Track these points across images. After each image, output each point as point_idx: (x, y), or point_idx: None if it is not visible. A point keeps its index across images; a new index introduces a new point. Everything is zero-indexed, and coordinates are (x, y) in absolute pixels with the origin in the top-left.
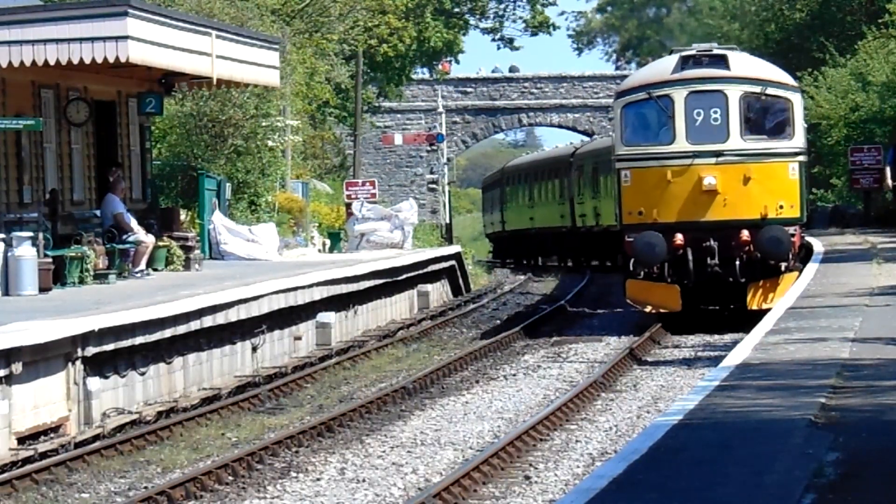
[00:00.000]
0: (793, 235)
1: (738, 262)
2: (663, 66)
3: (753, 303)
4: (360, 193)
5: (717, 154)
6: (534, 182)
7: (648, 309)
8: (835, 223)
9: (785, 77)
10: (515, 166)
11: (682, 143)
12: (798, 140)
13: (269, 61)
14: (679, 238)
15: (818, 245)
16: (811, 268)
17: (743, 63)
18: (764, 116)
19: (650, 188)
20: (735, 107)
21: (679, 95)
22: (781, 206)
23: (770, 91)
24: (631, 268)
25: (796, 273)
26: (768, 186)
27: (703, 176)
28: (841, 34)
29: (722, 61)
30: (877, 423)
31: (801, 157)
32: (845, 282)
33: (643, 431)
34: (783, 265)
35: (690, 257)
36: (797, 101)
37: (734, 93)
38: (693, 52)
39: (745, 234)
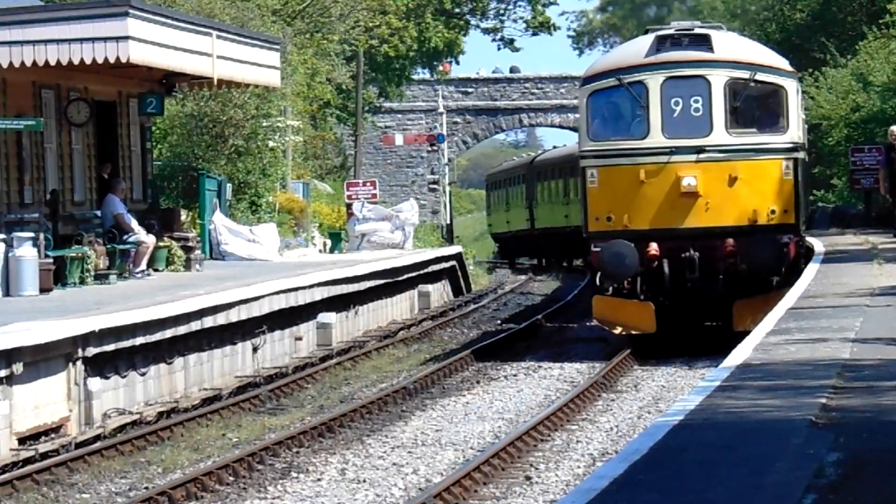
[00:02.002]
0: (786, 245)
1: (721, 276)
2: (636, 48)
3: (740, 323)
4: (360, 194)
5: (699, 150)
6: (569, 177)
7: (618, 330)
8: (835, 223)
9: (778, 60)
10: (548, 160)
11: (657, 138)
12: (792, 134)
13: (269, 62)
14: (653, 248)
15: (819, 245)
16: (812, 268)
17: (729, 44)
18: (753, 106)
19: (620, 190)
20: (719, 95)
21: (654, 82)
22: (773, 211)
23: (760, 77)
24: (597, 282)
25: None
26: (758, 188)
27: (682, 175)
28: (842, 34)
29: (704, 42)
30: (878, 423)
31: (797, 154)
32: (846, 282)
33: (644, 432)
34: (775, 279)
35: (667, 270)
36: (792, 88)
37: (718, 79)
38: (671, 32)
39: (731, 243)
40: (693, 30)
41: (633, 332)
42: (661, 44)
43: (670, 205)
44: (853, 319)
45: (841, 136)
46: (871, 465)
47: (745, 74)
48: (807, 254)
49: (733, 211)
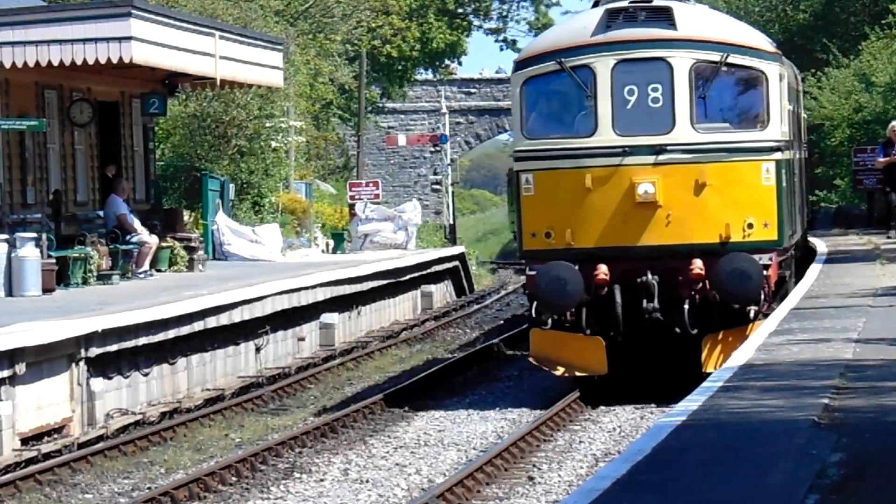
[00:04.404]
0: (766, 266)
1: (687, 306)
2: (581, 25)
3: (710, 363)
4: (363, 194)
5: (658, 150)
6: None
7: (560, 371)
8: (838, 224)
9: (756, 39)
10: None
11: (607, 135)
12: (774, 129)
13: (272, 62)
14: (602, 271)
15: (821, 246)
16: (814, 268)
17: (695, 19)
18: (725, 96)
19: (562, 199)
20: (683, 82)
21: (603, 66)
22: (750, 225)
23: (734, 59)
24: (533, 313)
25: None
26: (731, 196)
27: (638, 181)
28: (844, 35)
29: (665, 17)
30: (880, 423)
31: (780, 154)
32: (849, 282)
33: (646, 432)
34: (752, 310)
35: (619, 298)
36: (773, 73)
37: (682, 62)
38: (624, 5)
39: (698, 265)
40: (651, 1)
41: (579, 374)
42: (611, 19)
43: (623, 218)
44: (856, 320)
45: (843, 137)
46: (873, 465)
47: (715, 56)
48: (809, 255)
49: (701, 225)
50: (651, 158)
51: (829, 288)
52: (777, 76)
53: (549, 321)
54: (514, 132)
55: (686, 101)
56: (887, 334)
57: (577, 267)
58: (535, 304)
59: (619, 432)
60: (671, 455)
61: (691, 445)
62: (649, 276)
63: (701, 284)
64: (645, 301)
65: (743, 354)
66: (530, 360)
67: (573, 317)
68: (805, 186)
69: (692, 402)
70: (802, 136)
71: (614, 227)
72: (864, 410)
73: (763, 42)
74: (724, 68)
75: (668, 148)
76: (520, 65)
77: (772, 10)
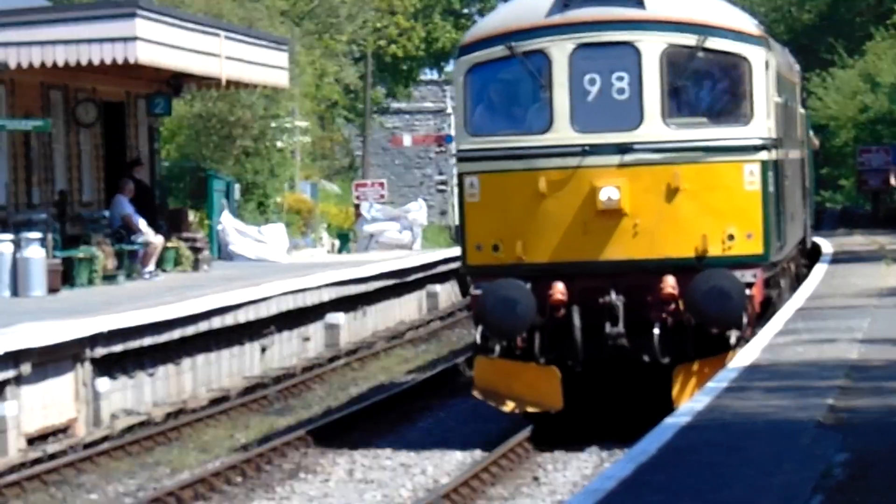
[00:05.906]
0: (749, 285)
1: (657, 331)
2: (534, 4)
3: (682, 396)
4: (369, 194)
5: (624, 149)
6: None
7: (509, 407)
8: (843, 224)
9: (737, 20)
10: None
11: (564, 132)
12: (759, 125)
13: (277, 62)
14: (559, 290)
15: (827, 246)
16: (820, 269)
17: None
18: (702, 86)
19: (512, 206)
20: (653, 70)
21: (560, 52)
22: (731, 236)
23: (712, 43)
24: (479, 339)
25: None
26: (709, 203)
27: (600, 186)
28: (849, 35)
29: None
30: (885, 424)
31: (766, 154)
32: (854, 283)
33: (652, 432)
34: (733, 335)
35: (577, 322)
36: (758, 59)
37: (652, 46)
38: None
39: (670, 283)
40: None
41: (531, 410)
42: None
43: (583, 228)
44: (861, 320)
45: (849, 137)
46: (878, 465)
47: (690, 40)
48: (813, 255)
49: (673, 237)
50: (615, 159)
51: (835, 288)
52: (763, 63)
53: (497, 348)
54: (457, 128)
55: (656, 92)
56: (892, 335)
57: (529, 285)
58: (480, 328)
59: (624, 432)
60: (676, 455)
61: (696, 446)
62: (613, 295)
63: (673, 305)
64: (608, 325)
65: (748, 355)
66: (474, 393)
67: (525, 343)
68: (809, 189)
69: (697, 403)
70: (801, 132)
71: (573, 238)
72: (869, 411)
73: (746, 23)
74: (701, 54)
75: (636, 147)
76: (464, 50)
77: (777, 11)
